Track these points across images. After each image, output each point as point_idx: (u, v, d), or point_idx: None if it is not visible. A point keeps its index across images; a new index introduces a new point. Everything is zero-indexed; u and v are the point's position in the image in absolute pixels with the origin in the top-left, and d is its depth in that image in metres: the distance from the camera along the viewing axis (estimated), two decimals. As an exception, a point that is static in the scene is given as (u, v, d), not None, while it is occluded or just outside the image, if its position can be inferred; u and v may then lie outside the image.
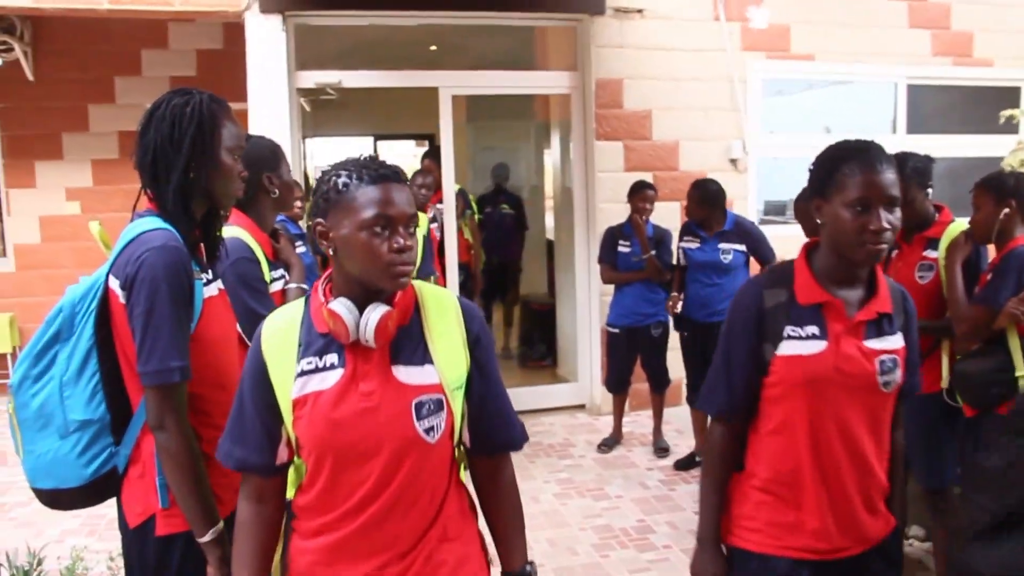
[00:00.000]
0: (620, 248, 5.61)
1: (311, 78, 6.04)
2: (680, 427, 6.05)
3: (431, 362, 1.68)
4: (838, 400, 1.93)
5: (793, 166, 6.93)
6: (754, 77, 6.50)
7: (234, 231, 2.59)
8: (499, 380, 1.81)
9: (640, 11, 6.24)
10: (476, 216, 7.54)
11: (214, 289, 2.14)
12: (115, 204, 7.09)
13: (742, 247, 5.16)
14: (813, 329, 1.93)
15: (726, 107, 6.47)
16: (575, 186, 6.43)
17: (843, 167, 1.91)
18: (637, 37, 6.26)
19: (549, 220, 9.90)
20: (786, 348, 1.94)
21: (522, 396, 6.44)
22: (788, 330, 1.94)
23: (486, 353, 1.77)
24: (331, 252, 1.63)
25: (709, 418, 2.20)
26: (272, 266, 2.72)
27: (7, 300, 7.17)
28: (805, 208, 3.97)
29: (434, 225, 6.09)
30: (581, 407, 6.61)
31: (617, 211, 5.93)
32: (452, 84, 6.30)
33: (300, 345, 1.69)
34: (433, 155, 6.98)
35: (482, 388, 1.76)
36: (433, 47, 8.14)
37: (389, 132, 11.76)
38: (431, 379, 1.67)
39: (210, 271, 2.15)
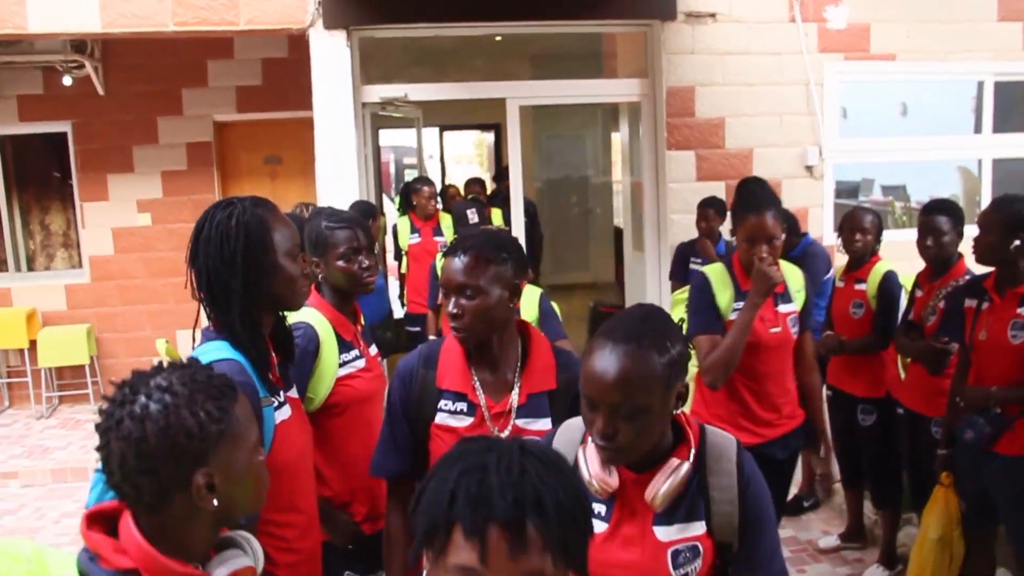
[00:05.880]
0: (692, 266, 5.46)
1: (376, 92, 5.98)
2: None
3: None
4: None
5: (868, 170, 6.72)
6: (831, 80, 6.24)
7: (306, 313, 2.47)
8: None
9: (713, 15, 6.02)
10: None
11: (286, 411, 2.06)
12: (184, 215, 7.16)
13: None
14: None
15: (802, 111, 6.23)
16: (646, 198, 6.27)
17: None
18: (709, 42, 6.05)
19: (617, 203, 9.75)
20: None
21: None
22: None
23: None
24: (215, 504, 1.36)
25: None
26: (346, 347, 2.56)
27: (85, 311, 7.31)
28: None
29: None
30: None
31: (689, 222, 5.77)
32: (520, 95, 6.18)
33: None
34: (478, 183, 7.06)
35: None
36: (498, 37, 7.97)
37: (455, 123, 11.71)
38: None
39: (281, 392, 2.07)
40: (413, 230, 6.40)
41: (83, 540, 1.32)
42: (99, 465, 1.35)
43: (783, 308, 3.17)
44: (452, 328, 2.08)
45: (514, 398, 2.11)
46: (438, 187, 6.93)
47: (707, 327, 3.14)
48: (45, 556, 1.28)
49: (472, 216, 5.03)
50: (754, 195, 3.21)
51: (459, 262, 2.05)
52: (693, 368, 3.59)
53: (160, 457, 1.29)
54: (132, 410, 1.30)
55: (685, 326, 3.35)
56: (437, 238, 6.25)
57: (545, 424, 2.09)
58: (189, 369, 1.38)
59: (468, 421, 2.11)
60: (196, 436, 1.31)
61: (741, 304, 3.09)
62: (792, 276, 3.24)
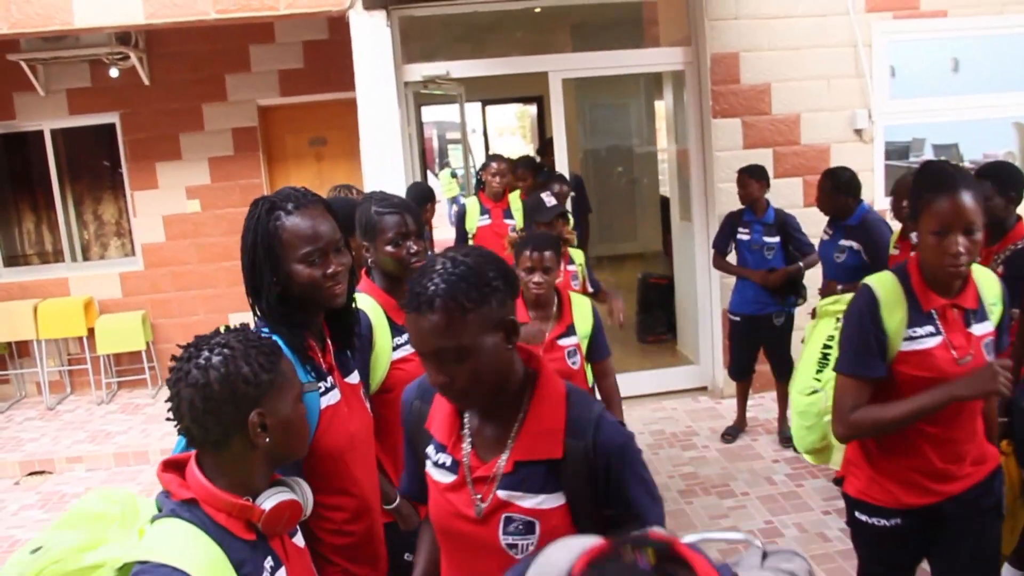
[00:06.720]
0: (740, 235, 5.42)
1: (418, 70, 5.98)
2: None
3: None
4: None
5: (919, 129, 6.54)
6: (880, 40, 6.09)
7: (357, 299, 2.42)
8: None
9: (755, -22, 5.91)
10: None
11: (334, 396, 2.05)
12: (232, 200, 7.25)
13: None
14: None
15: (850, 74, 6.10)
16: (693, 168, 6.21)
17: None
18: (753, 6, 5.94)
19: (663, 171, 9.63)
20: None
21: (643, 380, 6.37)
22: None
23: None
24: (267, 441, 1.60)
25: None
26: (398, 331, 2.57)
27: (140, 298, 7.45)
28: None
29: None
30: (703, 389, 6.49)
31: (736, 191, 5.71)
32: (562, 68, 6.14)
33: None
34: (529, 165, 6.91)
35: None
36: (538, 8, 7.87)
37: (497, 97, 11.65)
38: None
39: (329, 377, 2.06)
40: (483, 211, 6.00)
41: (158, 481, 1.59)
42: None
43: (977, 329, 2.38)
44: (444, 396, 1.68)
45: (500, 464, 1.65)
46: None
47: (859, 369, 2.38)
48: (136, 499, 1.65)
49: (549, 199, 4.48)
50: (944, 172, 2.35)
51: (428, 321, 1.53)
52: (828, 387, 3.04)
53: (222, 400, 1.53)
54: (197, 362, 1.54)
55: (836, 348, 2.61)
56: (507, 220, 5.89)
57: (541, 502, 1.62)
58: (242, 331, 1.64)
59: (451, 478, 1.70)
60: (252, 382, 1.55)
61: (917, 330, 2.34)
62: (988, 284, 2.46)
